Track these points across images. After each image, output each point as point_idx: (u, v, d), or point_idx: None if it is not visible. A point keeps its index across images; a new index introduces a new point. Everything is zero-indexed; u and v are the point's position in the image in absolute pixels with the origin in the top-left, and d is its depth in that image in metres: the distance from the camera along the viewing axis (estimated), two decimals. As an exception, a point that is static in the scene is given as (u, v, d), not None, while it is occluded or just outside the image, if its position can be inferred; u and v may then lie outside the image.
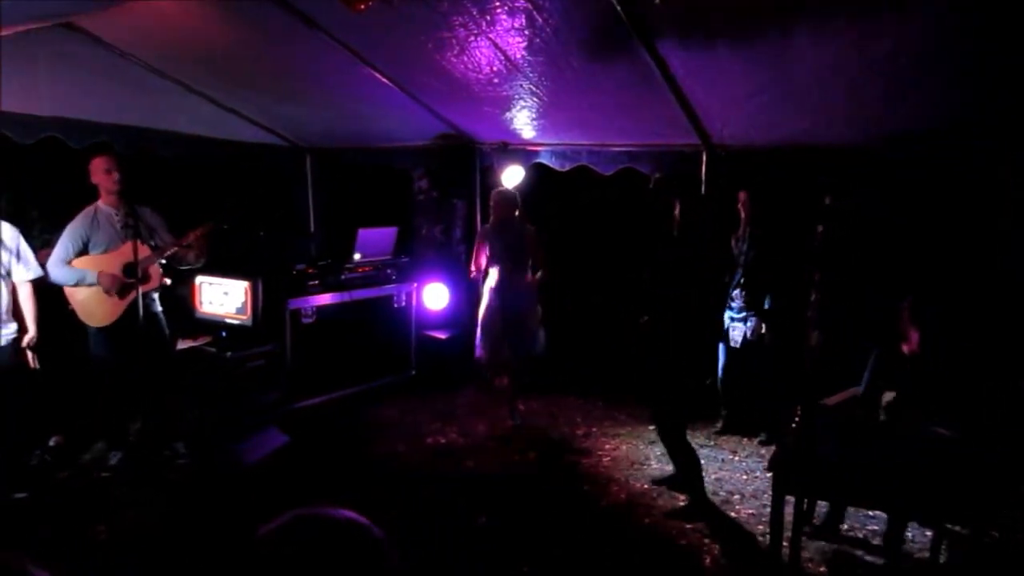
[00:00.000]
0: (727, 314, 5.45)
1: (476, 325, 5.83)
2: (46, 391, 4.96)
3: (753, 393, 5.50)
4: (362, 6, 3.81)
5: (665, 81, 4.44)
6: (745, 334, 5.35)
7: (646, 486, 4.74)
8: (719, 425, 5.70)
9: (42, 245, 5.91)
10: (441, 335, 6.91)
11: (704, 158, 5.60)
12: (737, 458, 5.26)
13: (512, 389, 5.90)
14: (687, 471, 4.40)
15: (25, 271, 4.36)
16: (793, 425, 3.34)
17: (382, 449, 5.32)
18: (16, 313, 4.37)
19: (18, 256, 4.31)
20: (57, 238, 4.66)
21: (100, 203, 4.67)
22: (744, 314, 5.36)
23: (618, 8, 3.63)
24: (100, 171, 4.60)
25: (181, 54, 5.25)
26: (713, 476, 4.88)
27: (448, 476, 4.88)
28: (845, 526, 4.16)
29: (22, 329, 4.40)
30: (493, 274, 5.65)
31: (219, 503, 4.36)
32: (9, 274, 4.28)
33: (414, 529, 4.09)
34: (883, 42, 3.55)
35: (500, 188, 5.88)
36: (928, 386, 3.63)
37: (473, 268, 5.83)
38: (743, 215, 5.36)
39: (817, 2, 3.39)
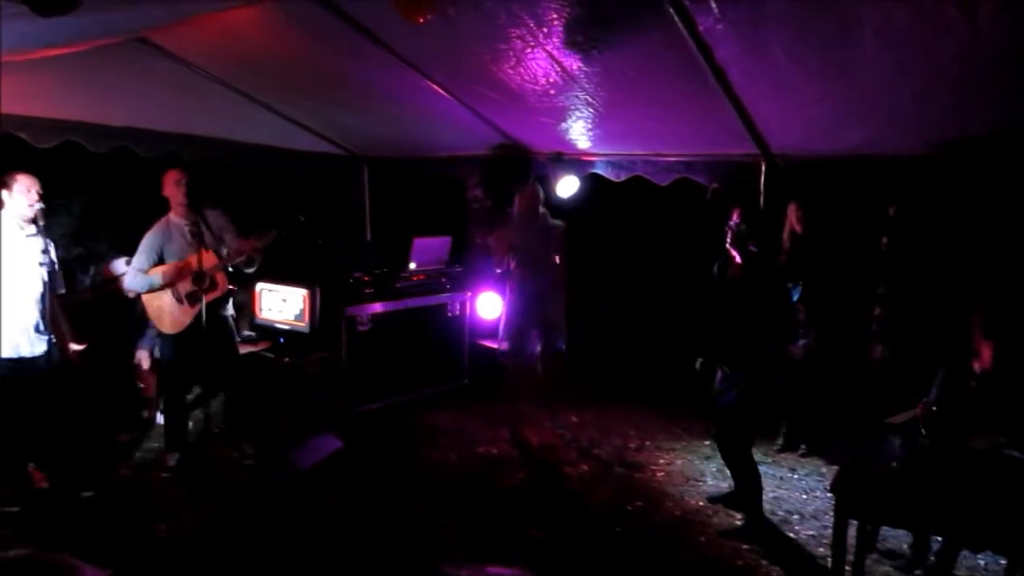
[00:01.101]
0: None
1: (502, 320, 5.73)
2: (113, 392, 5.15)
3: (812, 409, 5.35)
4: (421, 19, 3.87)
5: (723, 90, 4.36)
6: (805, 345, 5.20)
7: (701, 503, 4.65)
8: (780, 442, 5.56)
9: (108, 249, 6.15)
10: (494, 344, 6.91)
11: (763, 168, 5.48)
12: (796, 476, 5.12)
13: (548, 388, 5.69)
14: (748, 489, 4.30)
15: (59, 283, 4.50)
16: (857, 445, 3.23)
17: (434, 457, 5.35)
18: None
19: (57, 269, 4.44)
20: (117, 243, 4.84)
21: (171, 215, 4.84)
22: (801, 328, 5.21)
23: (675, 18, 3.59)
24: (171, 183, 4.77)
25: (246, 67, 5.41)
26: (771, 495, 4.76)
27: (500, 486, 4.88)
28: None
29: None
30: (516, 270, 5.53)
31: (276, 506, 4.44)
32: (52, 284, 4.38)
33: (466, 540, 4.09)
34: (952, 44, 3.42)
35: (528, 184, 5.72)
36: (1002, 406, 3.47)
37: (496, 265, 5.73)
38: (796, 228, 5.21)
39: (879, 4, 3.28)
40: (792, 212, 5.19)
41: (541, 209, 5.54)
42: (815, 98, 4.28)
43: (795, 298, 5.19)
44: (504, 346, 5.64)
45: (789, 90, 4.23)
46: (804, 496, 4.80)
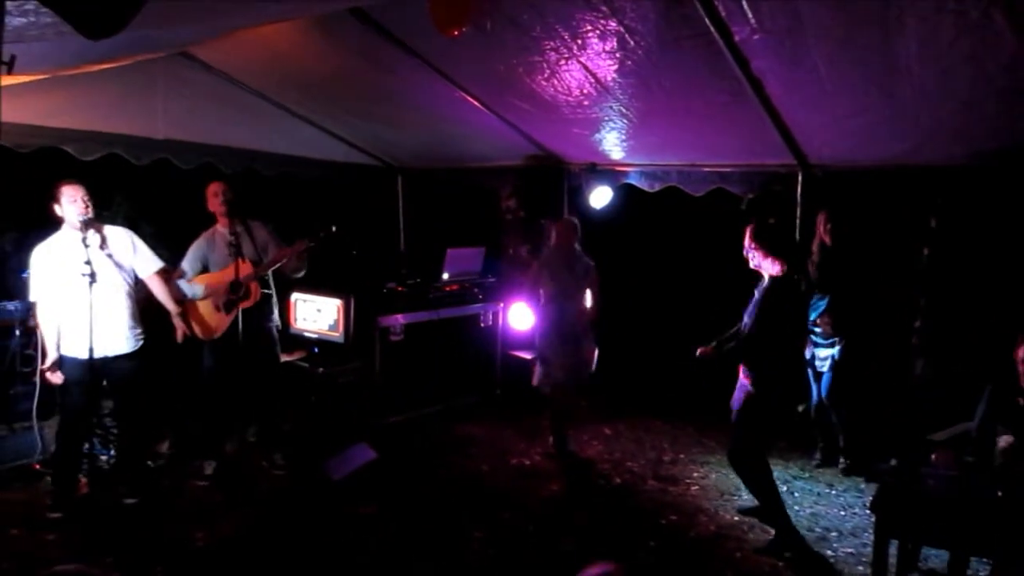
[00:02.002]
0: (811, 340, 5.21)
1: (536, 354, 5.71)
2: (158, 399, 5.24)
3: (849, 422, 5.24)
4: (455, 32, 3.90)
5: (759, 101, 4.32)
6: (833, 358, 5.12)
7: (736, 518, 4.58)
8: (817, 457, 5.46)
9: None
10: (526, 355, 6.90)
11: (800, 179, 5.42)
12: (834, 492, 5.02)
13: (560, 417, 5.70)
14: (766, 501, 4.23)
15: (149, 265, 4.57)
16: (898, 462, 3.16)
17: (467, 468, 5.35)
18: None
19: (136, 253, 4.53)
20: (167, 251, 4.94)
21: (218, 225, 4.93)
22: (831, 340, 5.13)
23: (712, 29, 3.57)
24: (210, 195, 4.86)
25: (284, 80, 5.50)
26: (808, 510, 4.68)
27: (532, 498, 4.86)
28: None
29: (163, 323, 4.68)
30: (548, 304, 5.51)
31: (310, 516, 4.47)
32: (132, 279, 4.49)
33: (500, 552, 4.08)
34: (1001, 54, 3.34)
35: (564, 217, 5.84)
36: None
37: (529, 302, 5.74)
38: (826, 239, 5.12)
39: (924, 15, 3.23)
40: (821, 223, 5.10)
41: (576, 247, 5.52)
42: (855, 108, 4.22)
43: (821, 310, 5.11)
44: (536, 380, 5.63)
45: (829, 100, 4.18)
46: (842, 513, 4.70)
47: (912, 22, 3.23)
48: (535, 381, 5.64)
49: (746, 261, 4.13)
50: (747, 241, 4.09)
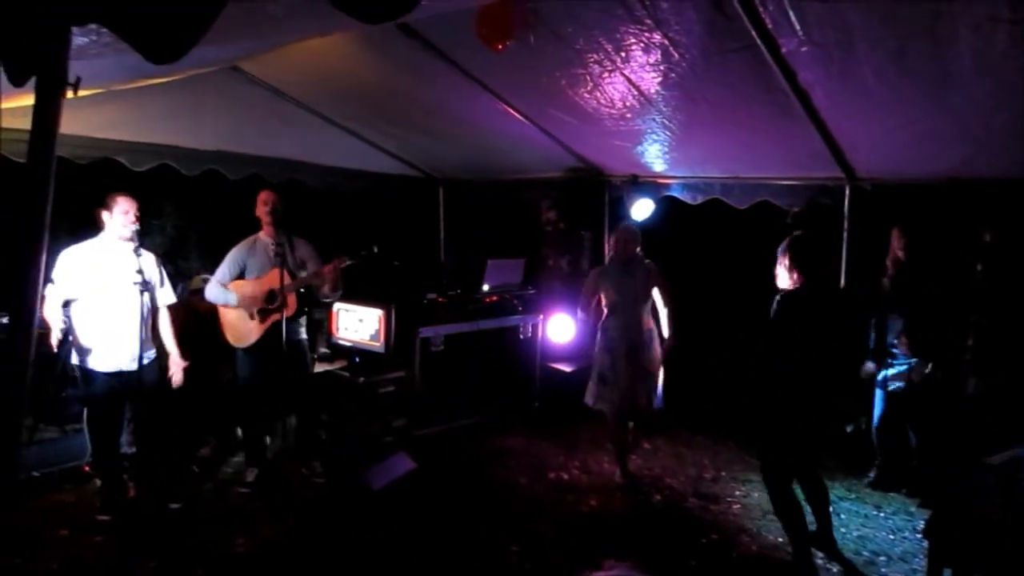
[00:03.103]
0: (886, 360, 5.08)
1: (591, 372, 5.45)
2: (197, 406, 5.33)
3: (910, 444, 5.09)
4: (500, 46, 3.92)
5: (806, 113, 4.26)
6: (910, 379, 4.94)
7: (780, 539, 4.47)
8: (871, 476, 5.31)
9: (199, 268, 6.41)
10: (565, 367, 6.88)
11: (847, 192, 5.32)
12: (882, 514, 4.88)
13: (626, 442, 5.50)
14: (784, 523, 4.13)
15: (166, 296, 4.66)
16: (951, 485, 3.06)
17: (504, 480, 5.33)
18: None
19: (161, 283, 4.63)
20: (213, 259, 5.04)
21: (261, 233, 5.01)
22: (909, 359, 4.97)
23: (758, 42, 3.53)
24: (259, 203, 4.95)
25: (330, 92, 5.58)
26: (855, 533, 4.55)
27: (570, 513, 4.82)
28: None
29: (162, 353, 4.65)
30: (610, 314, 5.30)
31: (349, 525, 4.50)
32: (153, 301, 4.55)
33: (536, 566, 4.05)
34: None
35: (623, 224, 5.58)
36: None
37: (581, 311, 5.48)
38: (900, 254, 4.99)
39: (977, 25, 3.14)
40: (895, 238, 4.99)
41: (638, 253, 5.30)
42: (906, 121, 4.13)
43: (898, 328, 4.97)
44: (593, 403, 5.37)
45: (877, 112, 4.10)
46: (891, 536, 4.57)
47: (965, 32, 3.15)
48: (588, 400, 5.41)
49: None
50: (778, 252, 4.06)
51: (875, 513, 4.89)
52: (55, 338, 4.22)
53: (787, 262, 3.99)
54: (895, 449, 5.18)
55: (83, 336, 4.30)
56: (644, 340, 5.22)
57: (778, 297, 3.99)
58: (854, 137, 4.62)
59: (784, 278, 4.02)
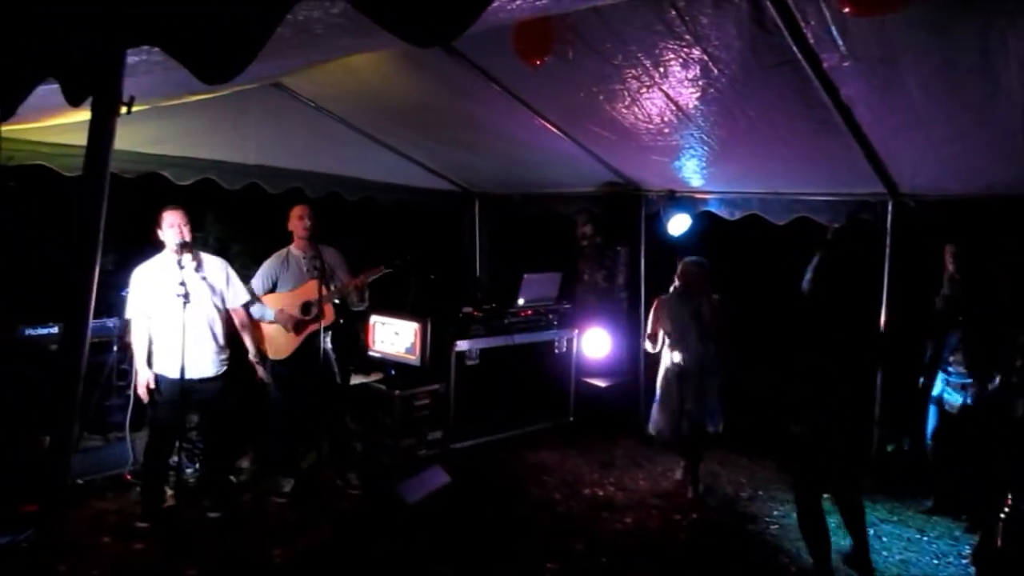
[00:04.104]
0: (942, 377, 4.94)
1: (654, 397, 5.57)
2: (240, 417, 5.40)
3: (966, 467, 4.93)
4: (538, 61, 3.94)
5: (848, 128, 4.20)
6: (965, 400, 4.80)
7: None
8: (929, 503, 5.13)
9: (242, 278, 6.51)
10: (601, 383, 6.84)
11: (890, 208, 5.23)
12: (926, 538, 4.75)
13: (692, 464, 5.51)
14: (806, 539, 4.13)
15: (238, 296, 4.75)
16: (1002, 514, 2.97)
17: (539, 496, 5.31)
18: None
19: (228, 284, 4.72)
20: (254, 271, 5.11)
21: (292, 246, 5.08)
22: (966, 378, 4.82)
23: (799, 57, 3.49)
24: (295, 217, 5.02)
25: (368, 107, 5.67)
26: (897, 557, 4.45)
27: (606, 530, 4.78)
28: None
29: (241, 351, 4.80)
30: (672, 345, 5.33)
31: (385, 538, 4.51)
32: (223, 305, 4.67)
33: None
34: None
35: (691, 259, 5.46)
36: None
37: (648, 342, 5.52)
38: (953, 270, 4.89)
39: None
40: (948, 255, 4.89)
41: (707, 288, 5.31)
42: (952, 134, 4.06)
43: (953, 346, 4.86)
44: (658, 428, 5.48)
45: (923, 127, 4.02)
46: (935, 561, 4.45)
47: (1014, 44, 3.09)
48: (650, 428, 5.56)
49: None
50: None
51: (918, 537, 4.77)
52: (141, 375, 4.43)
53: (810, 273, 4.04)
54: (952, 472, 5.03)
55: (154, 346, 4.46)
56: (706, 369, 5.26)
57: (796, 304, 4.03)
58: (897, 152, 4.54)
59: (808, 288, 4.06)
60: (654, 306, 5.50)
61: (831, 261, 4.06)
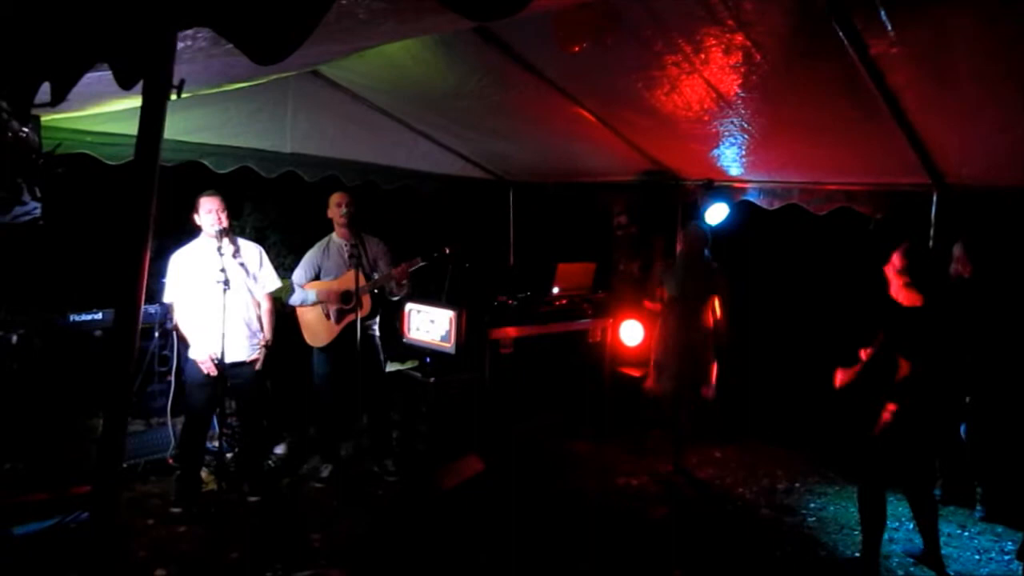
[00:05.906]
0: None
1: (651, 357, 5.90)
2: (276, 403, 5.47)
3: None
4: (576, 48, 3.90)
5: (894, 117, 4.09)
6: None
7: (857, 553, 4.33)
8: (980, 511, 4.97)
9: (278, 266, 6.59)
10: (635, 372, 6.79)
11: (935, 199, 5.10)
12: (966, 534, 4.67)
13: (679, 434, 5.70)
14: (863, 525, 4.13)
15: (269, 282, 4.80)
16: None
17: (572, 485, 5.31)
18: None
19: (260, 267, 4.78)
20: (290, 259, 5.17)
21: (333, 235, 5.12)
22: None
23: (846, 43, 3.41)
24: (333, 205, 5.05)
25: (405, 96, 5.67)
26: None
27: (639, 521, 4.77)
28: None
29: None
30: (671, 310, 5.60)
31: (420, 524, 4.55)
32: (256, 287, 4.73)
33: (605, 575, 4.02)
34: None
35: (691, 224, 5.80)
36: None
37: (648, 303, 5.87)
38: (962, 271, 4.76)
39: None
40: (957, 253, 4.77)
41: (706, 252, 5.49)
42: (1004, 125, 3.93)
43: None
44: (653, 386, 5.75)
45: (974, 116, 3.91)
46: (977, 557, 4.37)
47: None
48: (648, 383, 5.89)
49: (881, 284, 3.98)
50: (895, 264, 3.98)
51: (959, 532, 4.69)
52: (194, 343, 4.46)
53: (907, 279, 3.95)
54: (993, 468, 4.92)
55: (190, 331, 4.51)
56: (698, 337, 5.50)
57: (896, 312, 3.96)
58: (945, 142, 4.42)
59: (901, 292, 3.98)
60: (656, 269, 5.88)
61: (928, 260, 4.07)
